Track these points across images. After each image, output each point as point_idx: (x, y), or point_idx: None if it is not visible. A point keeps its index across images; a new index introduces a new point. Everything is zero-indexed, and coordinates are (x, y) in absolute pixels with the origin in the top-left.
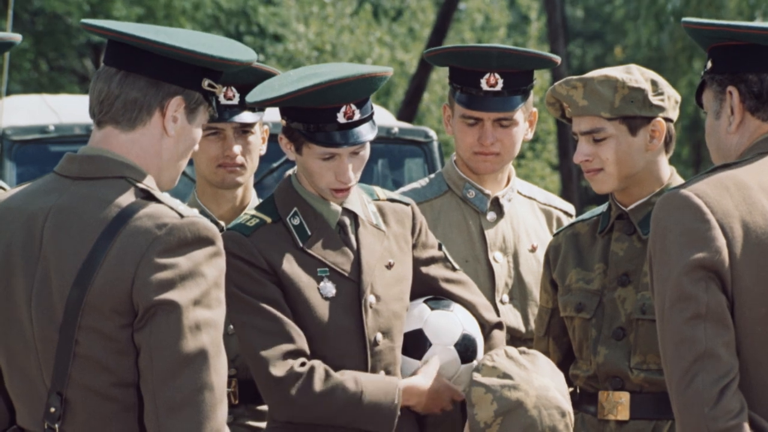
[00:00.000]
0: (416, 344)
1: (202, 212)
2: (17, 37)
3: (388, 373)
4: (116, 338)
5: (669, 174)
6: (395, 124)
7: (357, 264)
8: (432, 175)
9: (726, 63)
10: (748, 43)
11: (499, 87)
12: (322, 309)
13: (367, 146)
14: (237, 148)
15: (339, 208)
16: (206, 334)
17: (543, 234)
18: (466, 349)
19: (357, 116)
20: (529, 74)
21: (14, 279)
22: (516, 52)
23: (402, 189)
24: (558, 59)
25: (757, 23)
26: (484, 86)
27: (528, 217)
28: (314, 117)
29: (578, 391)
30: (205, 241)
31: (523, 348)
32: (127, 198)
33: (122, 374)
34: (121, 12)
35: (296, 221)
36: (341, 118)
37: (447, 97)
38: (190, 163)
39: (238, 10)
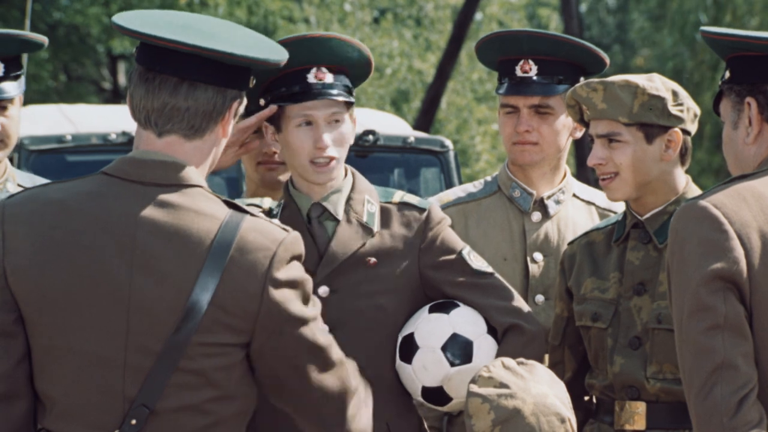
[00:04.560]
0: (408, 348)
1: None
2: (44, 39)
3: None
4: (230, 353)
5: (684, 183)
6: (411, 134)
7: (321, 255)
8: (488, 178)
9: (744, 73)
10: (766, 54)
11: (533, 73)
12: None
13: (347, 122)
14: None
15: (311, 201)
16: (327, 339)
17: None
18: (454, 351)
19: (329, 79)
20: (569, 65)
21: (103, 287)
22: (545, 35)
23: (456, 189)
24: (600, 52)
25: None
26: (518, 73)
27: (582, 221)
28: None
29: (594, 400)
30: (302, 256)
31: (521, 359)
32: (221, 209)
33: (227, 389)
34: None
35: (275, 212)
36: (312, 79)
37: (465, 105)
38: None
39: (258, 25)
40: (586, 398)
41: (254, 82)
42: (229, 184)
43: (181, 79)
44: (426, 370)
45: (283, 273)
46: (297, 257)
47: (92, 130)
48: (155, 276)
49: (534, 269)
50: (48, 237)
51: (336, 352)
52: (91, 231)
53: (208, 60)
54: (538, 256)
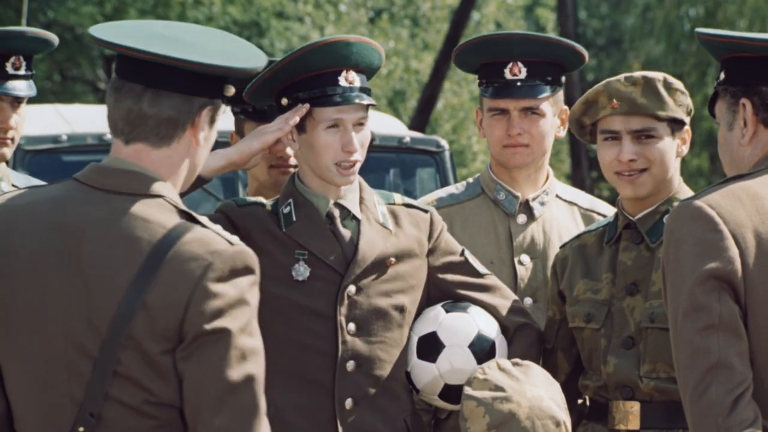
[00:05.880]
0: (430, 347)
1: None
2: (54, 38)
3: (359, 366)
4: (158, 361)
5: (677, 183)
6: (407, 134)
7: (345, 254)
8: (470, 179)
9: (739, 74)
10: (761, 55)
11: (522, 76)
12: (292, 290)
13: (368, 125)
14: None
15: (330, 201)
16: (252, 362)
17: None
18: (482, 350)
19: (357, 83)
20: (555, 66)
21: (45, 290)
22: (537, 38)
23: (438, 191)
24: (584, 52)
25: None
26: (508, 75)
27: (565, 222)
28: (318, 83)
29: (588, 401)
30: (249, 270)
31: (516, 360)
32: (171, 219)
33: (161, 395)
34: None
35: (287, 210)
36: (343, 82)
37: (461, 105)
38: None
39: (250, 22)
40: (580, 401)
41: (268, 87)
42: (224, 184)
43: (145, 86)
44: (453, 368)
45: (217, 286)
46: (240, 271)
47: (88, 130)
48: (93, 281)
49: (522, 272)
50: (3, 243)
51: (253, 369)
52: (43, 236)
53: (171, 68)
54: (525, 258)
